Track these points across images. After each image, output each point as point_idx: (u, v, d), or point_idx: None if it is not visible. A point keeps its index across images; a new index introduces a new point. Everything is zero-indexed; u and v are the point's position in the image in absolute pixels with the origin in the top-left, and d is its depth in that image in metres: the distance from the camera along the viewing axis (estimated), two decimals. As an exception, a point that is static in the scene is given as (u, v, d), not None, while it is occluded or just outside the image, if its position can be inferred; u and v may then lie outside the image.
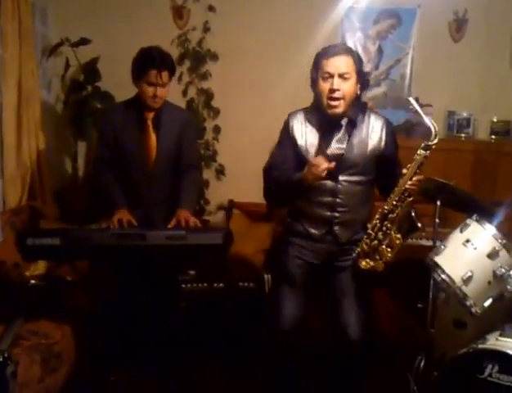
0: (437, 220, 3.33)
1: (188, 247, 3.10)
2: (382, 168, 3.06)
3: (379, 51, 4.85)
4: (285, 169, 3.06)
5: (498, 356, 2.63)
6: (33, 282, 3.68)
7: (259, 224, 4.61)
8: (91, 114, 4.77)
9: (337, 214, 3.02)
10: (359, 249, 2.97)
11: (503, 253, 2.87)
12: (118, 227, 3.25)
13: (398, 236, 2.91)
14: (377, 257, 2.94)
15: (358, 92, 3.01)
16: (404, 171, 2.87)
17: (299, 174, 2.98)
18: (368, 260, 2.96)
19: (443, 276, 2.93)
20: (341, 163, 2.96)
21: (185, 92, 4.96)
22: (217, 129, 5.00)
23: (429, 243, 3.46)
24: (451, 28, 4.77)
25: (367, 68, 4.80)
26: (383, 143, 3.03)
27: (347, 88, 2.92)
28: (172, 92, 4.62)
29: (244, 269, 4.18)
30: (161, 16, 4.92)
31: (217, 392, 3.69)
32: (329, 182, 2.98)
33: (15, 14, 4.07)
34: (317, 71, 2.97)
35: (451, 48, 4.79)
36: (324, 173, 2.87)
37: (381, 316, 4.14)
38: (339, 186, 2.99)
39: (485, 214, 3.05)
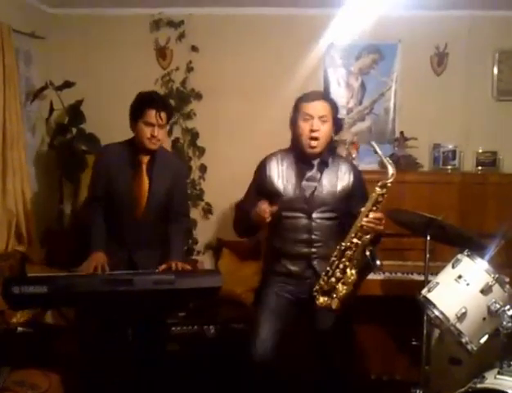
0: (427, 255, 3.32)
1: (179, 292, 3.08)
2: (350, 207, 3.20)
3: (362, 86, 4.87)
4: (251, 205, 3.19)
5: (497, 395, 2.59)
6: (20, 329, 3.62)
7: (248, 262, 4.58)
8: (76, 156, 4.74)
9: (314, 250, 3.20)
10: (317, 286, 3.06)
11: (496, 288, 2.85)
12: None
13: (353, 272, 2.99)
14: (334, 295, 3.02)
15: (332, 135, 3.29)
16: (362, 209, 2.99)
17: (253, 212, 3.12)
18: (326, 298, 3.04)
19: (437, 313, 2.91)
20: (313, 201, 3.19)
21: (170, 132, 4.92)
22: (203, 168, 4.97)
23: (421, 278, 3.44)
24: (433, 61, 4.82)
25: (351, 104, 4.86)
26: (351, 184, 3.25)
27: (324, 129, 3.19)
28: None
29: (234, 309, 4.15)
30: (145, 57, 4.90)
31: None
32: (304, 220, 3.19)
33: (-1, 57, 4.05)
34: (298, 113, 3.23)
35: (433, 81, 4.83)
36: (268, 218, 3.02)
37: (373, 353, 4.11)
38: (313, 223, 3.19)
39: (476, 248, 3.04)
